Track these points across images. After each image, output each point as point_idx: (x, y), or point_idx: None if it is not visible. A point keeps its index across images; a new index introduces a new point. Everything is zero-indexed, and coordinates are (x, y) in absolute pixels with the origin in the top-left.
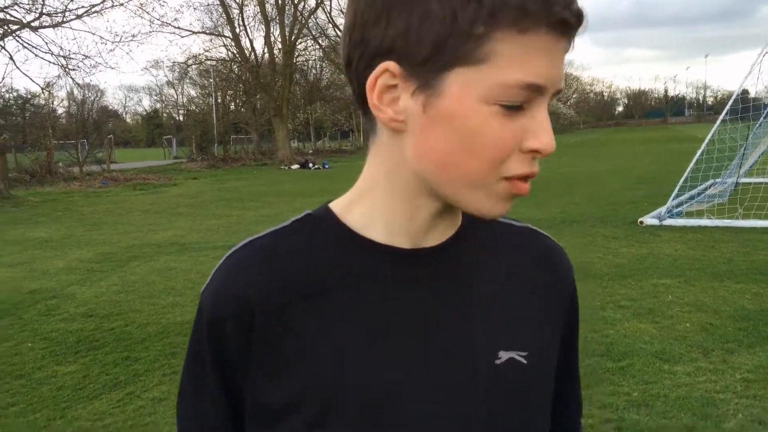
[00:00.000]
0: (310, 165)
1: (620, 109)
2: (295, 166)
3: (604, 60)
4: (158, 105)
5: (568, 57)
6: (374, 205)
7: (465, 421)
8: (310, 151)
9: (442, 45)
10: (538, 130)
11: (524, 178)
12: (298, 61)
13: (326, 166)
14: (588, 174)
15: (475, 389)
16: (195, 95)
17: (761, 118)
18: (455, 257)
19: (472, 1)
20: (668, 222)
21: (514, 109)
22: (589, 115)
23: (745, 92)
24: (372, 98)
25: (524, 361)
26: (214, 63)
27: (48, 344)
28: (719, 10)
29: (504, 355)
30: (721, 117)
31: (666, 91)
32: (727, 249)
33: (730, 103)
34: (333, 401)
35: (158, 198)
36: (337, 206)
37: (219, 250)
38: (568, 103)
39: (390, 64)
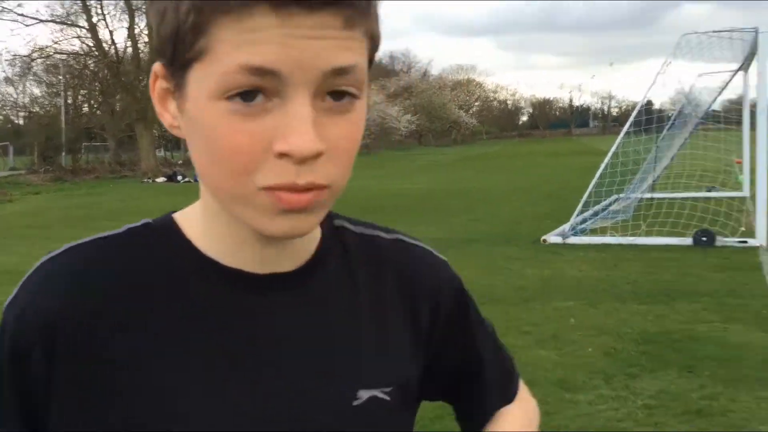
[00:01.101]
0: (179, 178)
1: (524, 118)
2: (161, 179)
3: (509, 65)
4: None
5: (469, 61)
6: (212, 222)
7: None
8: (180, 162)
9: (174, 41)
10: (287, 130)
11: (292, 189)
12: None
13: (197, 180)
14: (490, 189)
15: None
16: (39, 94)
17: (665, 131)
18: (309, 285)
19: (187, 4)
20: (572, 240)
21: (245, 99)
22: (493, 124)
23: (649, 103)
24: (154, 101)
25: (387, 398)
26: (64, 57)
27: None
28: (624, 17)
29: (364, 394)
30: (624, 129)
31: (571, 100)
32: (631, 268)
33: (633, 114)
34: None
35: None
36: (181, 218)
37: None
38: (470, 112)
39: (156, 66)
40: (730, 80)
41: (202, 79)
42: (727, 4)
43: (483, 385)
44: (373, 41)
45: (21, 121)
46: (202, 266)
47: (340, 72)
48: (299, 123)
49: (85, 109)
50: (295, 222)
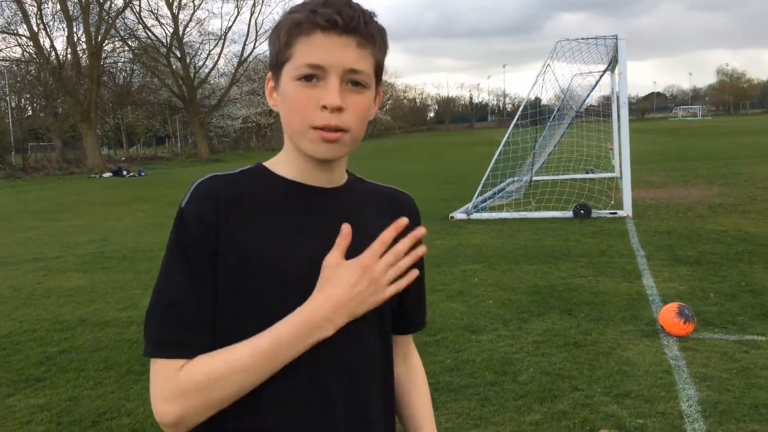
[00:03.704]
0: (125, 172)
1: (431, 114)
2: (107, 174)
3: (415, 68)
4: None
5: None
6: (291, 159)
7: None
8: (123, 158)
9: (277, 54)
10: (326, 94)
11: (327, 128)
12: (106, 63)
13: (142, 174)
14: (405, 176)
15: None
16: None
17: (547, 123)
18: (340, 195)
19: (284, 33)
20: (475, 216)
21: (307, 80)
22: (404, 120)
23: (537, 99)
24: (267, 94)
25: None
26: (7, 64)
27: None
28: (510, 25)
29: None
30: (513, 122)
31: (471, 98)
32: (523, 237)
33: (520, 109)
34: (258, 263)
35: None
36: (267, 163)
37: (31, 263)
38: (384, 109)
39: (269, 74)
40: (599, 79)
41: (288, 71)
42: (597, 13)
43: (419, 299)
44: (377, 60)
45: None
46: (285, 183)
47: (354, 71)
48: (331, 91)
49: (30, 111)
50: (330, 148)
